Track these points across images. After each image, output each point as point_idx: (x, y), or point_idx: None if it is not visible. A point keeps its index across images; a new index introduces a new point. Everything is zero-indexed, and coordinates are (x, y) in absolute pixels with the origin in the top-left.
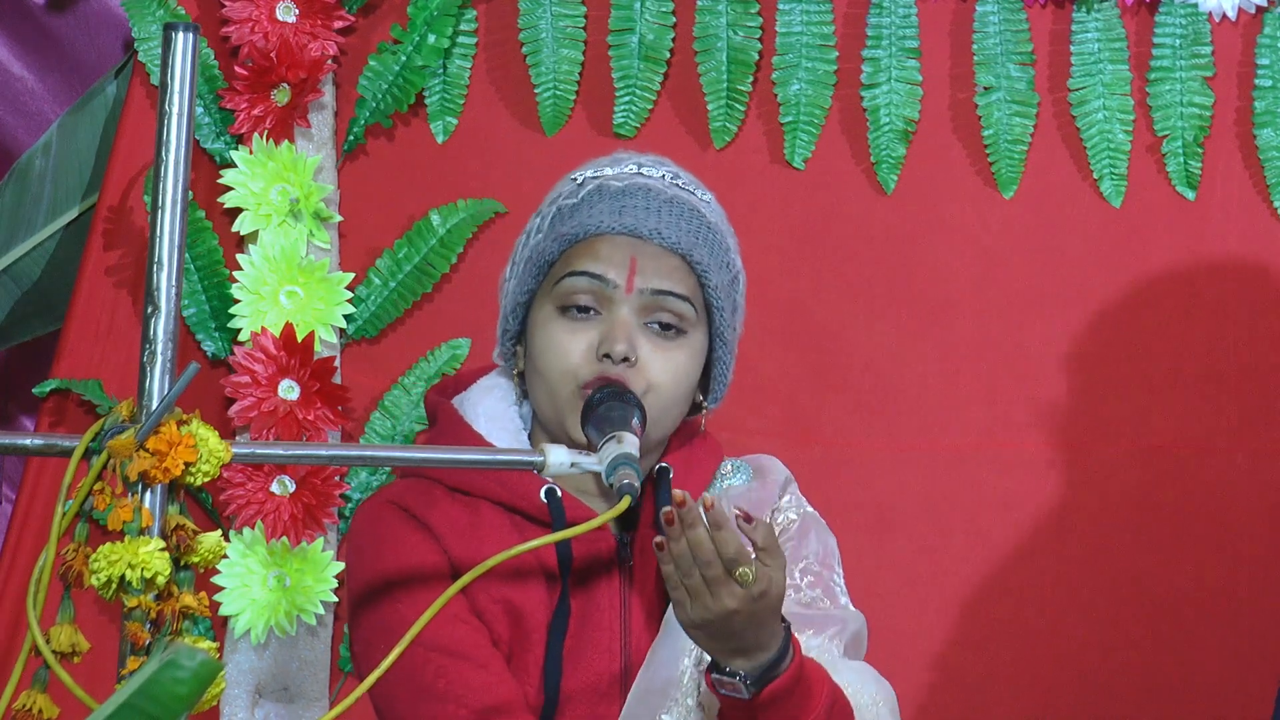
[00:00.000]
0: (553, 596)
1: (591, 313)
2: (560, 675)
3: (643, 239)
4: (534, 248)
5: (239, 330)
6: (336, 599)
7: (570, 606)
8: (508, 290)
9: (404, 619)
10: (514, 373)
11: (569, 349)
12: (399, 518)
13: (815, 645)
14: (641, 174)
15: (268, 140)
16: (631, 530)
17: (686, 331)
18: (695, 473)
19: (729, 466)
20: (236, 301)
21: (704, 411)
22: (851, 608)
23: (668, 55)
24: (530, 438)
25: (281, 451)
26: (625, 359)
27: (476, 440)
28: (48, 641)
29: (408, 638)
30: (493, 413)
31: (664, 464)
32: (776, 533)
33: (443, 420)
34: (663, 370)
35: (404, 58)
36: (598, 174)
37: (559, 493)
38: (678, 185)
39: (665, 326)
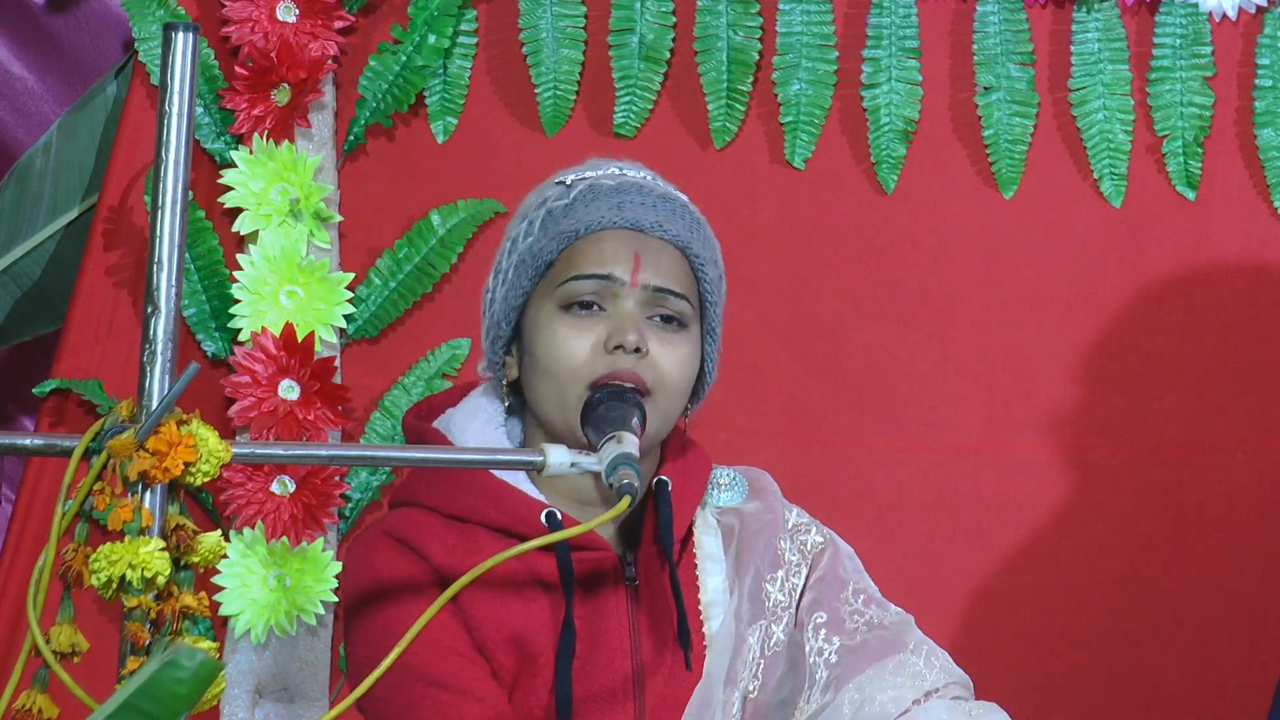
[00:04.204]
0: (557, 618)
1: (595, 308)
2: (570, 695)
3: (645, 232)
4: (527, 250)
5: (239, 330)
6: (336, 599)
7: (576, 626)
8: (495, 298)
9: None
10: (504, 383)
11: (576, 346)
12: (395, 550)
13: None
14: (626, 174)
15: (268, 140)
16: (634, 549)
17: (687, 326)
18: (692, 484)
19: (725, 477)
20: (236, 301)
21: (688, 413)
22: (894, 608)
23: (668, 55)
24: None
25: (281, 451)
26: (637, 349)
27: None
28: (48, 641)
29: (402, 644)
30: (481, 436)
31: (662, 476)
32: (808, 557)
33: (431, 444)
34: (671, 362)
35: (404, 58)
36: (582, 176)
37: (559, 515)
38: (660, 183)
39: (667, 319)
